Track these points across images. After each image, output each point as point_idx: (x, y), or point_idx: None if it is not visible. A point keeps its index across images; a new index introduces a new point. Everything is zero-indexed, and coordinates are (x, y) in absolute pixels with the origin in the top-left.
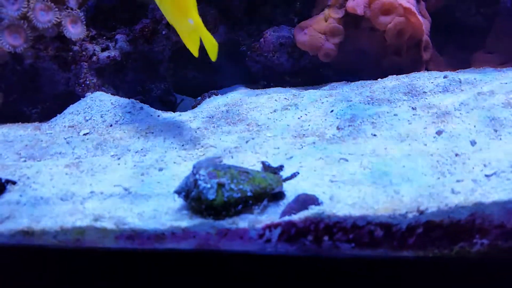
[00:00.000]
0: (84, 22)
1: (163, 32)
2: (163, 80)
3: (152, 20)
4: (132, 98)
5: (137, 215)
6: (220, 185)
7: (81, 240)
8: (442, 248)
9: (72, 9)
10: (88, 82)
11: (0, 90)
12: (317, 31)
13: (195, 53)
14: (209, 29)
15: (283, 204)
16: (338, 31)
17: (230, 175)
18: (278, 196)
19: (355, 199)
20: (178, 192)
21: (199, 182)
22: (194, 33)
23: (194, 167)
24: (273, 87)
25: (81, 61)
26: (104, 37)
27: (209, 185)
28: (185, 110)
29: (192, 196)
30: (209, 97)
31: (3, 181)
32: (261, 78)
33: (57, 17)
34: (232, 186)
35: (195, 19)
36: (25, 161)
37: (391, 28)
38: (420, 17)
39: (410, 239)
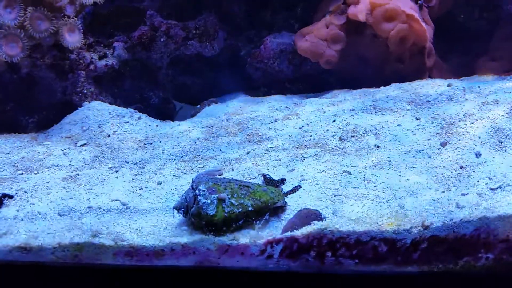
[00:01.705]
0: (82, 30)
1: (162, 39)
2: (161, 88)
3: (151, 27)
4: (130, 106)
5: (136, 231)
6: (221, 200)
7: (79, 256)
8: (447, 262)
9: (69, 17)
10: (85, 91)
11: None
12: (318, 38)
13: None
14: (209, 36)
15: (285, 218)
16: (340, 38)
17: (230, 189)
18: (280, 210)
19: (358, 214)
20: (177, 208)
21: (199, 197)
22: None
23: (193, 181)
24: (274, 94)
25: (79, 69)
26: (102, 45)
27: (209, 201)
28: (184, 118)
29: (192, 212)
30: (209, 105)
31: (0, 195)
32: (262, 85)
33: (54, 26)
34: (233, 201)
35: None
36: (22, 173)
37: (393, 35)
38: (423, 24)
39: (414, 254)
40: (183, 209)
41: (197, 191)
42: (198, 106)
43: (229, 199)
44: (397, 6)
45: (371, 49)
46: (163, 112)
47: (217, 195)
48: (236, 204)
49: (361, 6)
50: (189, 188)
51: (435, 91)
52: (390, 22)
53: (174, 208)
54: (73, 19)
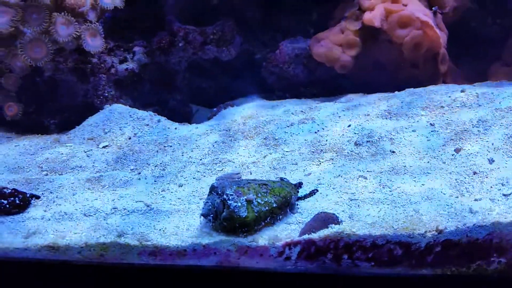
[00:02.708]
0: (103, 35)
1: (180, 44)
2: (179, 91)
3: (169, 32)
4: (149, 108)
5: (159, 232)
6: (249, 202)
7: (105, 255)
8: (460, 266)
9: (91, 22)
10: (106, 94)
11: (20, 101)
12: (333, 43)
13: None
14: (226, 41)
15: (303, 221)
16: (355, 43)
17: (253, 190)
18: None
19: (375, 218)
20: (205, 215)
21: (229, 202)
22: None
23: (215, 187)
24: (288, 98)
25: (100, 73)
26: (122, 49)
27: (239, 204)
28: (200, 120)
29: (224, 216)
30: (225, 108)
31: (28, 195)
32: (277, 89)
33: (77, 31)
34: (259, 200)
35: None
36: (46, 174)
37: (408, 41)
38: (437, 30)
39: (428, 257)
40: (211, 215)
41: (225, 196)
42: (215, 109)
43: (255, 199)
44: (411, 13)
45: (385, 54)
46: (180, 114)
47: (245, 197)
48: (262, 203)
49: (376, 12)
50: (213, 194)
51: (449, 96)
52: (404, 28)
53: (201, 215)
54: (95, 24)
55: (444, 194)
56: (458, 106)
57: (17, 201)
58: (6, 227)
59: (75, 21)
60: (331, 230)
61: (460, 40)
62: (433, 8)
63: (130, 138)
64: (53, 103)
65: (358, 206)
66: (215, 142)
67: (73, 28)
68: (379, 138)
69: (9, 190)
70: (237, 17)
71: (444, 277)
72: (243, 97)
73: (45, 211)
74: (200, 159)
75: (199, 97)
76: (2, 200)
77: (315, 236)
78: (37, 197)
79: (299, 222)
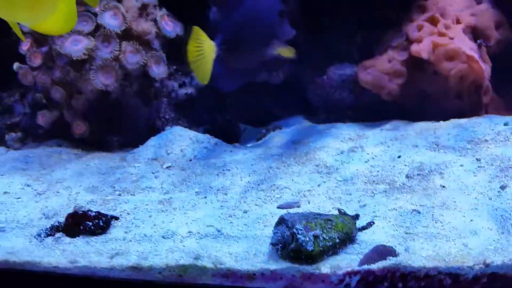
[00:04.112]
0: (166, 62)
1: None
2: (229, 112)
3: None
4: (200, 127)
5: (231, 255)
6: (316, 237)
7: (184, 276)
8: None
9: (156, 50)
10: (167, 116)
11: (88, 120)
12: (380, 71)
13: None
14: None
15: (361, 252)
16: (402, 73)
17: (320, 226)
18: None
19: (429, 252)
20: (274, 244)
21: (298, 235)
22: None
23: (285, 219)
24: (333, 121)
25: (162, 96)
26: (180, 73)
27: (307, 239)
28: (248, 139)
29: (292, 248)
30: (273, 130)
31: (109, 217)
32: (322, 112)
33: (144, 59)
34: (324, 236)
35: None
36: (120, 195)
37: (454, 74)
38: (482, 64)
39: (475, 286)
40: (280, 245)
41: (294, 230)
42: (263, 130)
43: (321, 234)
44: (458, 47)
45: (431, 84)
46: (230, 133)
47: (313, 233)
48: (327, 238)
49: (423, 45)
50: (283, 226)
51: (492, 129)
52: (451, 61)
53: (271, 244)
54: (159, 52)
55: (491, 230)
56: (501, 140)
57: (101, 223)
58: (92, 247)
59: (142, 50)
60: (389, 262)
61: (502, 71)
62: (478, 41)
63: (191, 160)
64: (118, 123)
65: (413, 240)
66: (270, 167)
67: (141, 56)
68: (429, 172)
69: (93, 213)
70: (286, 42)
71: None
72: (289, 118)
73: (125, 232)
74: (258, 185)
75: (246, 116)
76: (88, 222)
77: (373, 266)
78: (116, 218)
79: (358, 253)
